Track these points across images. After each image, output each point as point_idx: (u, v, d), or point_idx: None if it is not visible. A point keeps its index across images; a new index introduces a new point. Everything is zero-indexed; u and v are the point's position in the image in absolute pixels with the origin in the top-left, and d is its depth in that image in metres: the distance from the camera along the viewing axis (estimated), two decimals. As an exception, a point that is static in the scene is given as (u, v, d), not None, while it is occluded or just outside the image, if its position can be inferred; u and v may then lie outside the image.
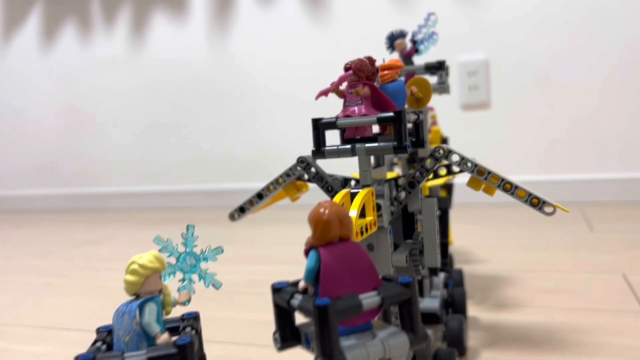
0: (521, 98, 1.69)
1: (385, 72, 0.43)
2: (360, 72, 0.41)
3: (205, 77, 2.08)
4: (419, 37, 0.64)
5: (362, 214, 0.40)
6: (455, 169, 0.43)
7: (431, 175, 0.44)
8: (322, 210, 0.29)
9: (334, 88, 0.42)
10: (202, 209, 2.03)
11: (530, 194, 0.40)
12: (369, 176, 0.42)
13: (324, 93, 0.42)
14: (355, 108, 0.42)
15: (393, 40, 0.65)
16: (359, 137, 0.42)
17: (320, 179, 0.45)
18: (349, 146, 0.41)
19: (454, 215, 1.23)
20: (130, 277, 0.33)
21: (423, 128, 0.44)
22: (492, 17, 1.70)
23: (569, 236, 1.21)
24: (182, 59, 2.09)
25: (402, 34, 0.65)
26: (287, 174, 0.48)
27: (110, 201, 2.26)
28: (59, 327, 0.81)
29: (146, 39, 2.15)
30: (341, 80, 0.41)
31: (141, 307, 0.33)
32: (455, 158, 0.42)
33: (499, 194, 0.44)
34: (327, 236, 0.29)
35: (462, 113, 1.76)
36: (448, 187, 0.92)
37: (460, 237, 1.24)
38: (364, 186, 0.42)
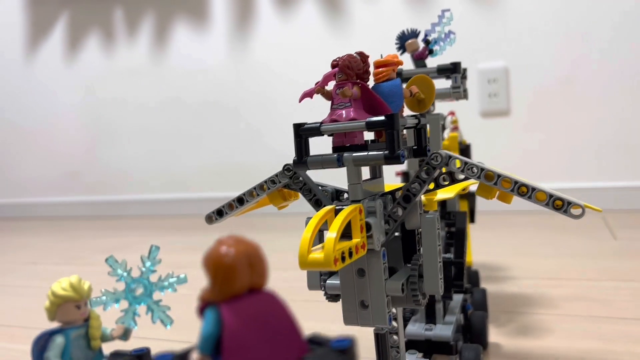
0: (542, 105, 1.66)
1: (380, 69, 0.37)
2: (349, 69, 0.35)
3: (226, 86, 2.07)
4: (433, 36, 0.57)
5: (347, 234, 0.33)
6: (460, 176, 0.36)
7: (432, 186, 0.37)
8: (223, 250, 0.21)
9: (319, 88, 0.35)
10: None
11: (551, 196, 0.33)
12: (359, 190, 0.36)
13: (308, 94, 0.36)
14: (343, 111, 0.35)
15: (404, 40, 0.58)
16: (348, 144, 0.36)
17: (307, 190, 0.39)
18: (334, 155, 0.35)
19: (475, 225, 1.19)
20: (46, 303, 0.27)
21: (426, 134, 0.37)
22: (512, 25, 1.68)
23: (592, 244, 1.18)
24: (203, 68, 2.09)
25: (414, 34, 0.58)
26: (272, 181, 0.42)
27: (132, 208, 2.26)
28: None
29: (168, 49, 2.16)
30: (326, 79, 0.35)
31: (48, 339, 0.27)
32: (456, 164, 0.35)
33: (517, 200, 0.38)
34: (231, 288, 0.21)
35: (482, 120, 1.74)
36: (470, 199, 0.84)
37: (482, 245, 1.20)
38: (353, 201, 0.36)
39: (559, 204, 0.33)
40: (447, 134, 0.84)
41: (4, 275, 1.27)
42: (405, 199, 0.35)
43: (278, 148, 1.95)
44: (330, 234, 0.30)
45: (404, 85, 0.38)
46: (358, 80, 0.36)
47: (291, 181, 0.41)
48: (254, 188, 0.43)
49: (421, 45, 0.58)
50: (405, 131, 0.37)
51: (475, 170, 0.34)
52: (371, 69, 0.38)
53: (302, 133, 0.36)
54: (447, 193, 0.48)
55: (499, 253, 1.15)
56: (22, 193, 2.48)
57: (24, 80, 2.41)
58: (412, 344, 0.58)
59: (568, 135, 1.65)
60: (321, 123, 0.36)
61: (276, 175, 0.43)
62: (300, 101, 0.37)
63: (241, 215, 0.48)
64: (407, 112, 0.38)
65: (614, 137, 1.61)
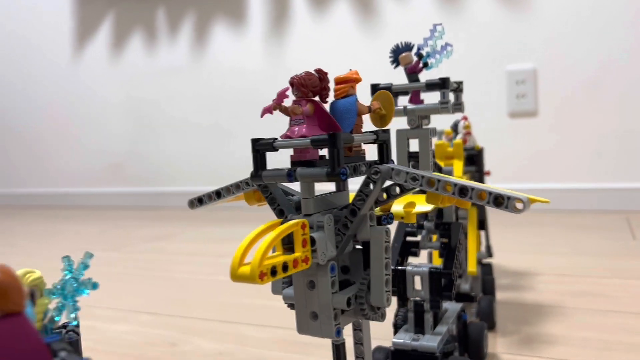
0: (569, 107, 1.68)
1: (339, 86, 0.36)
2: (303, 87, 0.35)
3: (261, 84, 2.11)
4: (425, 50, 0.56)
5: (290, 249, 0.33)
6: (410, 186, 0.35)
7: (385, 196, 0.36)
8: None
9: (275, 105, 0.36)
10: (257, 210, 2.09)
11: (491, 193, 0.31)
12: (311, 204, 0.36)
13: (268, 110, 0.37)
14: (297, 128, 0.36)
15: (398, 53, 0.57)
16: (304, 159, 0.36)
17: (272, 199, 0.39)
18: (285, 171, 0.35)
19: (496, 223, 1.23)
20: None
21: (387, 149, 0.36)
22: (542, 27, 1.69)
23: (610, 244, 1.20)
24: (240, 67, 2.15)
25: (408, 47, 0.57)
26: (246, 182, 0.43)
27: (172, 200, 2.33)
28: (135, 311, 0.91)
29: (207, 49, 2.22)
30: (279, 96, 0.35)
31: None
32: (399, 176, 0.34)
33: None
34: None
35: (509, 121, 1.76)
36: (479, 206, 0.81)
37: (502, 242, 1.20)
38: (305, 215, 0.36)
39: (500, 201, 0.31)
40: (459, 138, 0.82)
41: (58, 260, 1.34)
42: (352, 213, 0.35)
43: None
44: (260, 249, 0.30)
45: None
46: (311, 98, 0.35)
47: (259, 188, 0.41)
48: (231, 185, 0.44)
49: (415, 59, 0.57)
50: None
51: (417, 179, 0.33)
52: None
53: (258, 148, 0.36)
54: (425, 206, 0.47)
55: (518, 250, 1.18)
56: (69, 183, 2.61)
57: (71, 77, 2.53)
58: (399, 354, 0.57)
59: (593, 136, 1.67)
60: (274, 139, 0.36)
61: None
62: (261, 116, 0.38)
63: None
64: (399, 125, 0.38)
65: (639, 140, 1.63)
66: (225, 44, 2.18)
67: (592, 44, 1.63)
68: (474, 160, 0.82)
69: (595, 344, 0.68)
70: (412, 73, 0.56)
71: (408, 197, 0.49)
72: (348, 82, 0.36)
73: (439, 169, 0.64)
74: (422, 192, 0.37)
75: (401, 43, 0.57)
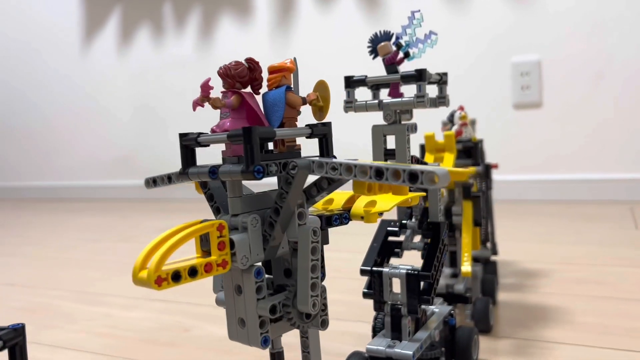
0: (574, 98, 1.69)
1: (271, 75, 0.33)
2: (228, 78, 0.32)
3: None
4: (404, 39, 0.52)
5: (209, 251, 0.31)
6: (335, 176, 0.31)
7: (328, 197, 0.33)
8: None
9: (202, 97, 0.33)
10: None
11: (405, 170, 0.27)
12: (237, 204, 0.33)
13: (197, 103, 0.34)
14: (223, 122, 0.33)
15: (376, 43, 0.53)
16: (233, 155, 0.33)
17: (210, 197, 0.37)
18: (207, 168, 0.32)
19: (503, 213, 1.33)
20: None
21: (327, 143, 0.33)
22: (546, 18, 1.70)
23: (614, 233, 1.21)
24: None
25: (387, 36, 0.53)
26: None
27: (180, 191, 2.37)
28: (147, 298, 0.92)
29: (213, 42, 2.22)
30: (203, 87, 0.32)
31: None
32: (320, 168, 0.31)
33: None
34: None
35: (514, 112, 1.77)
36: (475, 200, 0.75)
37: (508, 232, 1.25)
38: (232, 216, 0.33)
39: (415, 176, 0.27)
40: (454, 129, 0.76)
41: (71, 250, 1.38)
42: (275, 212, 0.32)
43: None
44: (159, 252, 0.28)
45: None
46: (238, 89, 0.32)
47: (200, 185, 0.39)
48: (180, 172, 0.42)
49: (393, 49, 0.52)
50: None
51: (336, 168, 0.29)
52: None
53: (185, 143, 0.33)
54: (386, 204, 0.43)
55: (522, 239, 1.21)
56: (79, 176, 2.65)
57: (79, 70, 2.57)
58: (376, 362, 0.53)
59: (598, 127, 1.67)
60: (200, 134, 0.33)
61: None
62: (193, 110, 0.35)
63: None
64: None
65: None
66: (232, 36, 2.18)
67: (597, 35, 1.63)
68: (469, 153, 0.76)
69: (596, 328, 0.69)
70: (391, 64, 0.52)
71: (370, 196, 0.45)
72: (281, 72, 0.33)
73: (423, 164, 0.59)
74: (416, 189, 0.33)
75: (380, 32, 0.53)
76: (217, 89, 0.34)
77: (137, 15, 2.38)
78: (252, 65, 0.33)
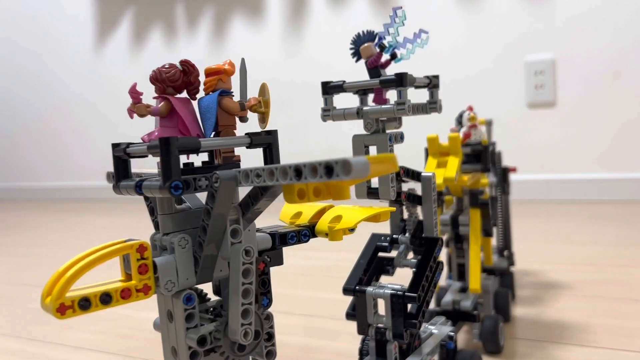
0: (589, 97, 1.68)
1: (207, 78, 0.30)
2: (159, 82, 0.29)
3: (280, 78, 2.11)
4: (387, 40, 0.48)
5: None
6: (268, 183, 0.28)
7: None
8: None
9: (133, 104, 0.30)
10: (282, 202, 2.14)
11: (321, 163, 0.23)
12: (168, 222, 0.30)
13: (131, 110, 0.31)
14: (154, 131, 0.30)
15: (358, 44, 0.49)
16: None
17: (151, 210, 0.34)
18: (134, 182, 0.29)
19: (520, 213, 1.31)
20: None
21: (272, 154, 0.30)
22: (560, 17, 1.69)
23: (630, 233, 1.20)
24: (259, 61, 2.15)
25: (370, 36, 0.49)
26: None
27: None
28: None
29: (225, 43, 2.24)
30: (131, 94, 0.30)
31: None
32: (246, 178, 0.27)
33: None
34: None
35: (528, 111, 1.77)
36: (483, 208, 0.69)
37: (524, 232, 1.26)
38: (165, 235, 0.30)
39: (331, 169, 0.23)
40: (462, 131, 0.71)
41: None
42: (203, 231, 0.29)
43: (328, 138, 1.94)
44: (63, 278, 0.25)
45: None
46: (170, 94, 0.29)
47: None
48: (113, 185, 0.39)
49: (376, 50, 0.48)
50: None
51: (260, 175, 0.26)
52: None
53: (116, 154, 0.31)
54: (351, 219, 0.39)
55: (539, 240, 1.21)
56: (93, 177, 2.66)
57: (93, 72, 2.60)
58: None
59: (613, 126, 1.66)
60: (129, 144, 0.30)
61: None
62: (130, 117, 0.32)
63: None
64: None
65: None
66: (244, 38, 2.19)
67: (611, 33, 1.62)
68: (478, 157, 0.71)
69: (616, 330, 0.68)
70: (374, 67, 0.48)
71: (337, 210, 0.41)
72: (217, 74, 0.30)
73: (416, 176, 0.55)
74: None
75: (363, 32, 0.49)
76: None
77: (149, 16, 2.40)
78: (187, 68, 0.30)
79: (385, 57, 0.49)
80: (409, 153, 0.75)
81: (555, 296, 0.83)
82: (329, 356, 0.67)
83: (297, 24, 2.09)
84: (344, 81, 0.49)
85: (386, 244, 0.56)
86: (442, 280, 0.78)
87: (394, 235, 0.57)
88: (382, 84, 0.46)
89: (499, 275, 0.82)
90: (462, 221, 0.71)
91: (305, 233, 0.37)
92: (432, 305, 0.72)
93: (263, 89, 0.31)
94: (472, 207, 0.70)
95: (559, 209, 1.57)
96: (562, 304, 0.80)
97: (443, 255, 0.73)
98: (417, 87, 0.51)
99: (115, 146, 0.31)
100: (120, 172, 0.31)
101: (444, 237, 0.74)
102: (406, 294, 0.48)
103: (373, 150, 0.49)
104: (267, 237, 0.33)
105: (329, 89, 0.49)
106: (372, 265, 0.56)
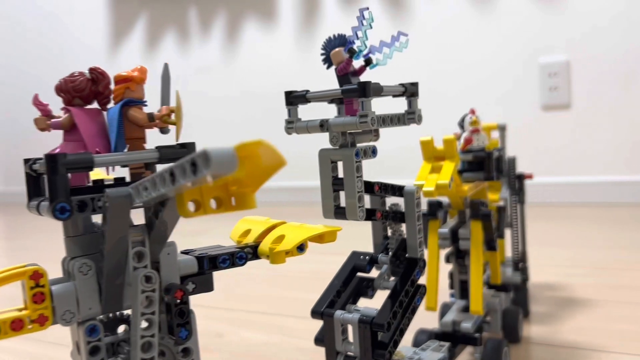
0: (603, 99, 1.67)
1: (116, 87, 0.28)
2: (63, 92, 0.27)
3: (292, 81, 2.14)
4: (356, 44, 0.45)
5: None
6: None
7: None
8: None
9: (43, 115, 0.28)
10: (284, 205, 2.04)
11: (188, 160, 0.20)
12: (71, 246, 0.28)
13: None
14: (58, 146, 0.28)
15: (330, 49, 0.46)
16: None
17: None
18: (37, 201, 0.27)
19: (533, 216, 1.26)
20: None
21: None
22: (574, 18, 1.69)
23: None
24: (271, 64, 2.17)
25: (341, 40, 0.46)
26: None
27: None
28: None
29: (238, 47, 2.25)
30: (35, 106, 0.28)
31: None
32: (138, 196, 0.24)
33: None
34: None
35: (542, 114, 1.76)
36: (485, 220, 0.64)
37: (538, 236, 1.23)
38: (72, 258, 0.28)
39: (194, 162, 0.20)
40: (464, 136, 0.66)
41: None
42: (101, 255, 0.26)
43: None
44: None
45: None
46: (72, 106, 0.27)
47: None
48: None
49: (346, 56, 0.45)
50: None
51: (147, 187, 0.23)
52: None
53: (26, 170, 0.29)
54: (291, 240, 0.36)
55: (554, 244, 1.21)
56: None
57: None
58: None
59: (629, 129, 1.66)
60: (37, 160, 0.28)
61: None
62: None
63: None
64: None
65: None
66: (256, 41, 2.19)
67: (626, 34, 1.61)
68: (479, 164, 0.65)
69: (632, 335, 0.68)
70: (344, 75, 0.45)
71: (283, 228, 0.38)
72: (124, 82, 0.27)
73: (397, 190, 0.51)
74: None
75: (334, 35, 0.46)
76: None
77: (162, 20, 2.43)
78: (96, 76, 0.28)
79: (359, 63, 0.46)
80: (413, 161, 0.73)
81: (570, 311, 0.79)
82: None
83: (310, 27, 2.10)
84: (308, 90, 0.46)
85: (365, 263, 0.52)
86: (446, 297, 0.74)
87: (376, 254, 0.53)
88: (343, 94, 0.43)
89: (513, 290, 0.78)
90: (462, 234, 0.66)
91: (241, 255, 0.34)
92: (433, 324, 0.68)
93: (176, 99, 0.28)
94: (473, 219, 0.65)
95: (573, 212, 1.58)
96: (577, 321, 0.75)
97: (445, 271, 0.69)
98: (394, 96, 0.47)
99: (25, 162, 0.29)
100: (31, 190, 0.28)
101: (446, 251, 0.70)
102: (374, 321, 0.44)
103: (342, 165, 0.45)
104: (192, 261, 0.30)
105: (292, 99, 0.46)
106: (350, 286, 0.52)
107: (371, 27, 0.44)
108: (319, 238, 0.37)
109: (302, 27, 2.12)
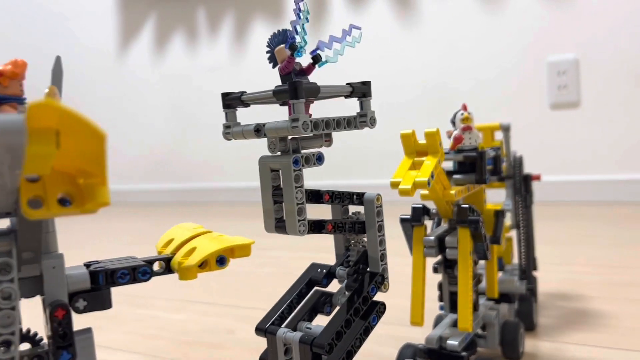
0: (612, 97, 1.68)
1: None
2: None
3: None
4: (297, 39, 0.41)
5: None
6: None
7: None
8: None
9: None
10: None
11: None
12: None
13: None
14: None
15: (273, 46, 0.43)
16: None
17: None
18: None
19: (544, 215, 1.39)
20: None
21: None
22: (583, 16, 1.68)
23: None
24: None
25: (284, 36, 0.42)
26: None
27: (215, 195, 2.38)
28: (191, 301, 0.98)
29: (247, 47, 2.25)
30: None
31: None
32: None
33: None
34: None
35: (551, 112, 1.77)
36: (474, 227, 0.59)
37: (549, 233, 1.28)
38: None
39: None
40: (455, 134, 0.61)
41: (110, 254, 1.41)
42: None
43: (347, 140, 1.98)
44: None
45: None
46: None
47: None
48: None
49: (288, 53, 0.42)
50: None
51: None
52: None
53: None
54: (200, 253, 0.33)
55: (560, 242, 1.22)
56: (114, 181, 2.73)
57: (116, 76, 2.66)
58: None
59: (638, 127, 1.66)
60: None
61: None
62: None
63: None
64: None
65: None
66: (265, 41, 2.19)
67: (635, 32, 1.62)
68: (470, 164, 0.60)
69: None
70: (286, 74, 0.42)
71: (199, 239, 0.36)
72: None
73: (358, 197, 0.47)
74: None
75: (278, 31, 0.43)
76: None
77: (171, 21, 2.45)
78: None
79: (306, 61, 0.42)
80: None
81: (580, 321, 0.76)
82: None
83: (317, 26, 2.11)
84: (243, 92, 0.42)
85: (321, 276, 0.49)
86: (437, 310, 0.70)
87: (335, 267, 0.50)
88: (274, 95, 0.40)
89: (517, 301, 0.73)
90: (449, 243, 0.61)
91: (145, 270, 0.31)
92: (418, 339, 0.64)
93: (51, 94, 0.26)
94: (461, 226, 0.60)
95: (581, 211, 1.60)
96: (587, 335, 0.71)
97: (434, 281, 0.65)
98: (351, 96, 0.43)
99: None
100: None
101: (435, 261, 0.66)
102: (314, 341, 0.41)
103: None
104: (84, 275, 0.28)
105: (228, 101, 0.43)
106: (308, 301, 0.49)
107: (308, 21, 0.41)
108: (229, 252, 0.34)
109: (309, 27, 2.12)
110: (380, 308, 0.46)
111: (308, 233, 0.42)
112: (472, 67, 1.85)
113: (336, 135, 0.43)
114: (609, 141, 1.69)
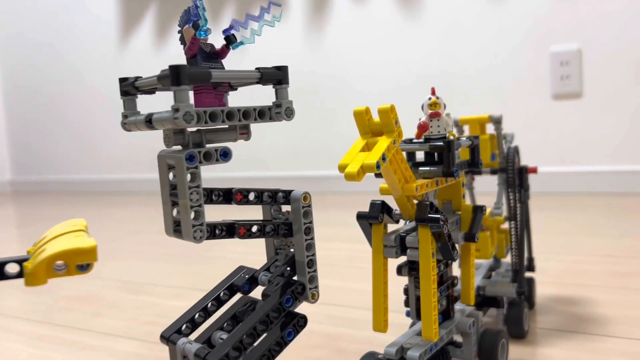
0: (615, 88, 1.68)
1: None
2: None
3: (302, 72, 2.15)
4: (200, 21, 0.36)
5: None
6: None
7: None
8: None
9: None
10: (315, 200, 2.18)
11: None
12: None
13: None
14: None
15: (182, 26, 0.38)
16: None
17: None
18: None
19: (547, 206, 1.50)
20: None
21: None
22: (586, 6, 1.69)
23: None
24: (281, 56, 2.18)
25: (189, 16, 0.38)
26: None
27: (218, 185, 2.39)
28: (190, 288, 0.98)
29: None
30: None
31: None
32: None
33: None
34: None
35: (553, 102, 1.77)
36: (431, 220, 0.53)
37: (553, 224, 1.31)
38: None
39: None
40: (422, 120, 0.55)
41: (113, 242, 1.46)
42: None
43: (349, 132, 1.96)
44: None
45: None
46: None
47: None
48: None
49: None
50: None
51: None
52: None
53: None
54: (39, 256, 0.29)
55: (565, 232, 1.22)
56: (118, 170, 2.73)
57: (117, 66, 2.65)
58: None
59: (639, 118, 1.68)
60: None
61: None
62: None
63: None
64: None
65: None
66: (266, 32, 2.17)
67: (638, 23, 1.62)
68: (442, 157, 0.53)
69: None
70: (192, 57, 0.37)
71: (51, 241, 0.32)
72: None
73: (285, 195, 0.43)
74: None
75: (186, 9, 0.38)
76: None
77: (172, 11, 2.42)
78: None
79: (214, 43, 0.38)
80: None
81: (580, 322, 0.72)
82: (353, 345, 0.68)
83: (319, 16, 2.10)
84: (138, 77, 0.38)
85: (243, 282, 0.45)
86: (403, 317, 0.65)
87: (259, 272, 0.46)
88: (159, 81, 0.35)
89: (508, 305, 0.67)
90: (409, 243, 0.54)
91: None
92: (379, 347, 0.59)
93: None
94: (420, 225, 0.54)
95: (583, 202, 1.61)
96: (584, 342, 0.67)
97: (399, 284, 0.60)
98: (262, 83, 0.39)
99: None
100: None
101: (402, 262, 0.61)
102: (206, 356, 0.37)
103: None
104: None
105: (124, 87, 0.38)
106: (230, 308, 0.45)
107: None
108: (65, 256, 0.30)
109: (311, 16, 2.13)
110: (299, 321, 0.42)
111: (213, 238, 0.38)
112: (474, 57, 1.85)
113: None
114: (611, 131, 1.70)
